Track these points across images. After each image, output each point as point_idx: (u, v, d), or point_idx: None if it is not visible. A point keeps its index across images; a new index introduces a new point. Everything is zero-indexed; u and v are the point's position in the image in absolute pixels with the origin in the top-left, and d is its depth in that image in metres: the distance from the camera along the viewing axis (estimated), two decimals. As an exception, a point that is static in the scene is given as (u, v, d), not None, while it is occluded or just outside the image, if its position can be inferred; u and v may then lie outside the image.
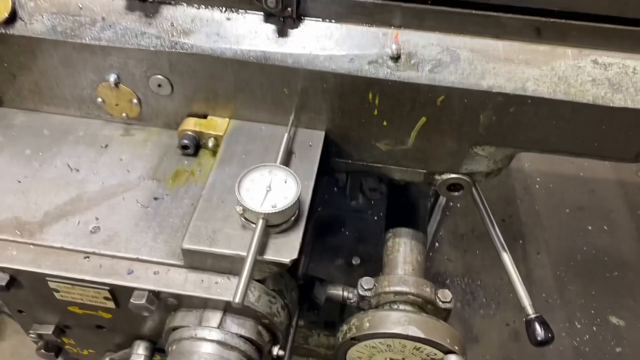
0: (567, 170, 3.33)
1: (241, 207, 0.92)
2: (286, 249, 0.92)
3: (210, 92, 1.09)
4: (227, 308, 0.96)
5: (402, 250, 1.32)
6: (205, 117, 1.15)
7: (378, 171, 1.19)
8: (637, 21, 0.94)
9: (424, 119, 1.06)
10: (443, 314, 1.22)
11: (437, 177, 1.18)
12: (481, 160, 1.13)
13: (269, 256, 0.92)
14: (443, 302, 1.20)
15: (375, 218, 2.85)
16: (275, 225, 0.93)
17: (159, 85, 1.09)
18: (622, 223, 3.06)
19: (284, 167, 0.98)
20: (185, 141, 1.11)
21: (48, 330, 1.09)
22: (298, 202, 0.94)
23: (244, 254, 0.89)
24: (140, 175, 1.10)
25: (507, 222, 3.08)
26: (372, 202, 2.90)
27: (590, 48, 0.99)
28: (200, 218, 0.96)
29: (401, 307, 1.19)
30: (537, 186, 3.28)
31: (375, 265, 2.64)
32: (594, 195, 3.21)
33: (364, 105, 1.06)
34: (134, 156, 1.14)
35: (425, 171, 1.18)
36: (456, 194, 1.20)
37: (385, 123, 1.08)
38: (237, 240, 0.93)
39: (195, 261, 0.95)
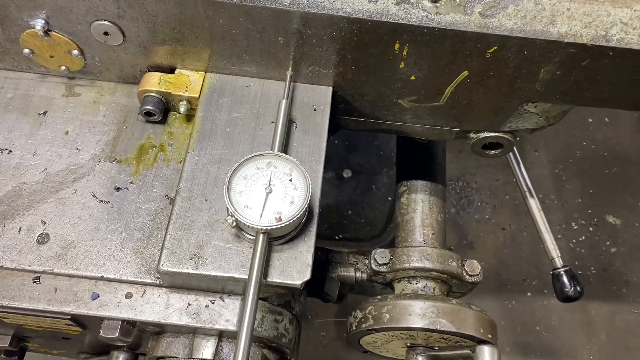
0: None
1: (233, 219, 0.68)
2: (295, 267, 0.71)
3: (177, 41, 0.80)
4: (223, 334, 0.76)
5: (420, 210, 1.11)
6: (172, 70, 0.86)
7: (398, 129, 0.95)
8: None
9: (465, 72, 0.80)
10: (469, 287, 1.06)
11: (472, 135, 0.94)
12: (531, 117, 0.89)
13: (275, 279, 0.71)
14: (471, 275, 1.03)
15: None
16: (279, 237, 0.71)
17: (106, 34, 0.79)
18: (624, 114, 2.88)
19: (286, 156, 0.73)
20: (149, 107, 0.84)
21: (4, 342, 0.89)
22: (308, 205, 0.71)
23: (241, 275, 0.68)
24: (93, 154, 0.84)
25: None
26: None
27: (703, -22, 0.72)
28: (179, 226, 0.73)
29: (421, 284, 1.01)
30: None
31: (368, 178, 2.46)
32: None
33: (387, 57, 0.78)
34: (82, 126, 0.86)
35: (458, 130, 0.94)
36: (493, 152, 0.98)
37: (413, 78, 0.82)
38: (231, 257, 0.71)
39: (178, 281, 0.74)
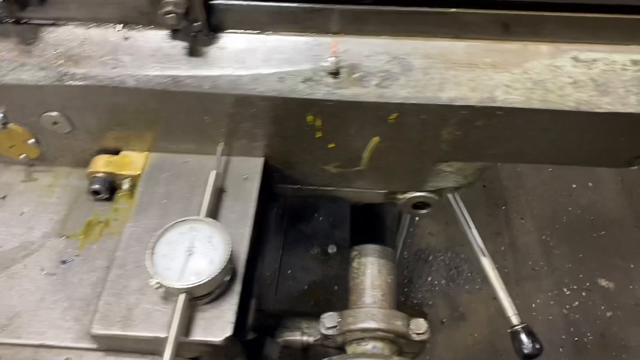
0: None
1: (155, 282, 0.75)
2: (218, 325, 0.76)
3: (118, 125, 0.90)
4: (157, 395, 0.80)
5: (370, 273, 1.16)
6: (118, 152, 0.96)
7: (332, 194, 1.02)
8: (623, 7, 0.76)
9: (376, 138, 0.88)
10: (418, 346, 1.08)
11: (399, 196, 1.01)
12: (448, 176, 0.96)
13: (197, 337, 0.75)
14: (417, 334, 1.06)
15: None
16: (202, 295, 0.77)
17: (55, 123, 0.90)
18: (607, 178, 2.93)
19: (208, 220, 0.80)
20: (96, 186, 0.93)
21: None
22: (229, 263, 0.77)
23: (166, 335, 0.73)
24: (45, 232, 0.92)
25: (489, 187, 2.94)
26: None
27: (569, 42, 0.81)
28: (112, 292, 0.79)
29: (370, 345, 1.04)
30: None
31: (353, 252, 2.50)
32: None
33: (304, 129, 0.87)
34: (37, 207, 0.95)
35: (385, 191, 1.01)
36: (423, 211, 1.04)
37: (331, 145, 0.90)
38: (158, 318, 0.77)
39: (112, 344, 0.79)
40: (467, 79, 0.81)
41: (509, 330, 1.29)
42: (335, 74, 0.82)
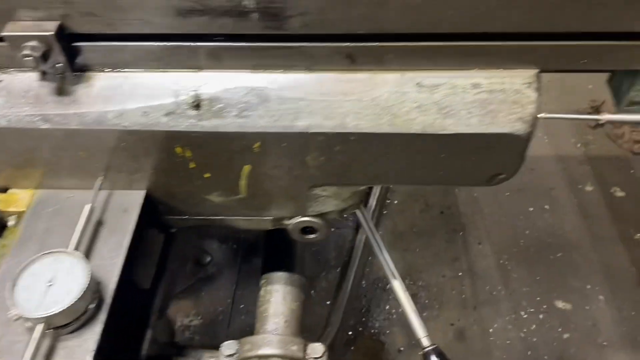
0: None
1: (14, 313, 0.77)
2: (77, 353, 0.78)
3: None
4: None
5: (274, 300, 1.18)
6: (5, 190, 0.99)
7: (220, 223, 1.05)
8: (460, 35, 0.81)
9: (247, 167, 0.92)
10: (317, 369, 1.10)
11: (286, 222, 1.04)
12: (327, 200, 0.99)
13: (55, 367, 0.78)
14: (314, 358, 1.08)
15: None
16: (65, 325, 0.79)
17: (-60, 164, 0.94)
18: (564, 200, 2.97)
19: (71, 251, 0.83)
20: (-18, 223, 0.96)
21: None
22: (89, 292, 0.79)
23: (26, 366, 0.75)
24: None
25: (446, 213, 2.97)
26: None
27: (413, 70, 0.86)
28: (-20, 325, 0.82)
29: (267, 371, 1.06)
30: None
31: (307, 284, 2.51)
32: (534, 174, 3.12)
33: (176, 160, 0.91)
34: None
35: (271, 218, 1.04)
36: (312, 236, 1.07)
37: (207, 175, 0.94)
38: (20, 348, 0.79)
39: (-22, 377, 0.81)
40: (320, 108, 0.85)
41: (420, 353, 1.31)
42: (196, 106, 0.86)
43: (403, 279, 2.83)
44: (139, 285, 1.10)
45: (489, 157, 0.88)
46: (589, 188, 3.06)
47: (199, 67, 0.87)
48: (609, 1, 0.75)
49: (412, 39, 0.82)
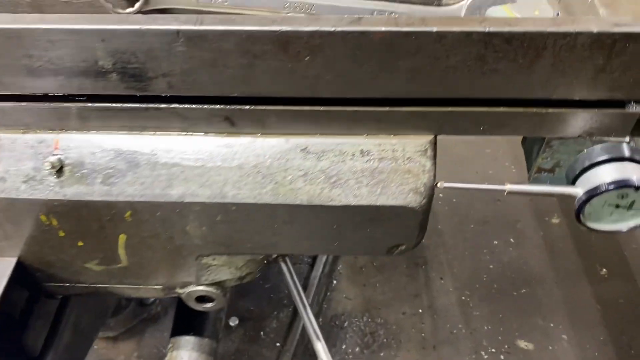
0: (471, 181, 3.15)
1: None
2: None
3: None
4: None
5: (179, 367, 1.09)
6: None
7: (106, 292, 0.96)
8: (348, 100, 0.73)
9: (122, 236, 0.83)
10: None
11: (179, 290, 0.96)
12: (220, 269, 0.91)
13: None
14: None
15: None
16: None
17: None
18: (529, 234, 2.91)
19: None
20: None
21: None
22: None
23: None
24: None
25: (409, 247, 2.88)
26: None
27: (299, 135, 0.78)
28: None
29: None
30: (439, 202, 3.10)
31: (256, 324, 2.41)
32: (500, 206, 3.06)
33: (44, 228, 0.82)
34: None
35: (161, 287, 0.95)
36: (209, 305, 0.98)
37: (80, 244, 0.85)
38: None
39: None
40: (195, 175, 0.77)
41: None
42: (58, 171, 0.77)
43: (361, 315, 2.74)
44: (28, 353, 1.01)
45: (383, 229, 0.80)
46: (555, 220, 3.01)
47: (62, 128, 0.79)
48: (502, 68, 0.68)
49: (293, 103, 0.74)
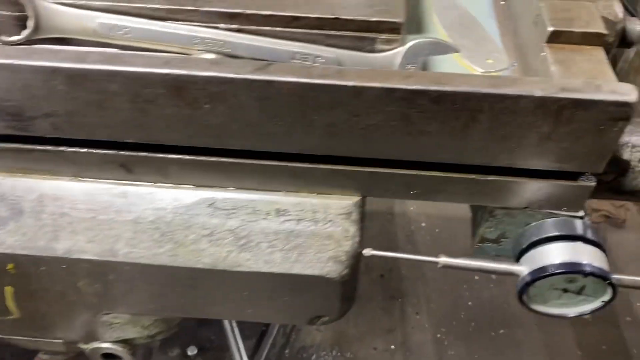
0: (456, 212, 3.05)
1: None
2: None
3: None
4: None
5: None
6: None
7: (4, 342, 0.86)
8: (251, 152, 0.64)
9: (9, 288, 0.73)
10: None
11: (82, 346, 0.85)
12: (124, 327, 0.80)
13: None
14: None
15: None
16: None
17: None
18: (511, 270, 2.80)
19: None
20: None
21: None
22: None
23: None
24: None
25: (386, 277, 2.78)
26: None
27: (207, 187, 0.68)
28: None
29: None
30: (422, 232, 3.00)
31: (216, 355, 2.30)
32: (484, 240, 2.95)
33: None
34: None
35: (61, 341, 0.85)
36: (118, 363, 0.88)
37: (-35, 294, 0.75)
38: None
39: None
40: (85, 228, 0.67)
41: None
42: None
43: (331, 349, 2.62)
44: None
45: (301, 299, 0.70)
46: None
47: None
48: (431, 130, 0.58)
49: (197, 153, 0.64)
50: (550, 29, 0.63)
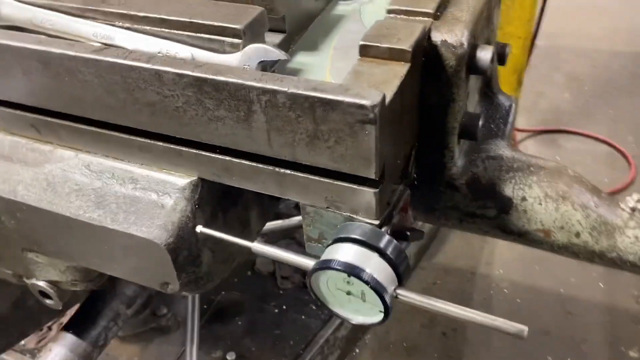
0: (545, 283, 2.84)
1: None
2: None
3: None
4: None
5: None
6: None
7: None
8: (117, 126, 0.77)
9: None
10: None
11: (26, 280, 1.04)
12: (46, 268, 0.97)
13: None
14: None
15: (276, 310, 2.64)
16: None
17: None
18: (593, 358, 2.51)
19: None
20: None
21: None
22: None
23: None
24: None
25: (449, 336, 2.68)
26: (281, 291, 2.70)
27: (88, 152, 0.83)
28: None
29: None
30: (500, 298, 2.84)
31: (251, 365, 2.40)
32: (569, 319, 2.69)
33: None
34: None
35: (11, 272, 1.04)
36: (50, 302, 1.04)
37: None
38: None
39: None
40: (2, 171, 0.86)
41: None
42: None
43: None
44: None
45: (145, 261, 0.80)
46: (634, 354, 2.57)
47: None
48: (223, 116, 0.67)
49: (75, 120, 0.80)
50: (361, 43, 0.68)
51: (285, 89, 0.60)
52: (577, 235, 0.75)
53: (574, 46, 4.11)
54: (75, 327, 1.22)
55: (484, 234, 0.84)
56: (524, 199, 0.79)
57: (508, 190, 0.79)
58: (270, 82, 0.61)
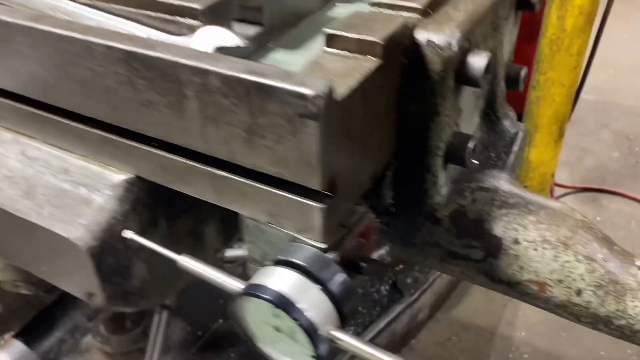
0: (571, 354, 2.60)
1: None
2: None
3: None
4: None
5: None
6: None
7: None
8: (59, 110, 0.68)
9: None
10: None
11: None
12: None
13: None
14: None
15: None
16: None
17: None
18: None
19: None
20: None
21: None
22: None
23: None
24: None
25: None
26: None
27: (27, 136, 0.74)
28: None
29: None
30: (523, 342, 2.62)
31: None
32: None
33: None
34: None
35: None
36: None
37: None
38: None
39: None
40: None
41: None
42: None
43: None
44: None
45: (70, 265, 0.69)
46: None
47: None
48: (155, 100, 0.57)
49: (14, 99, 0.71)
50: (327, 31, 0.57)
51: (218, 69, 0.50)
52: (579, 292, 0.61)
53: (625, 104, 3.90)
54: (27, 335, 1.12)
55: (470, 280, 0.70)
56: (516, 241, 0.65)
57: (498, 229, 0.65)
58: (204, 61, 0.51)
